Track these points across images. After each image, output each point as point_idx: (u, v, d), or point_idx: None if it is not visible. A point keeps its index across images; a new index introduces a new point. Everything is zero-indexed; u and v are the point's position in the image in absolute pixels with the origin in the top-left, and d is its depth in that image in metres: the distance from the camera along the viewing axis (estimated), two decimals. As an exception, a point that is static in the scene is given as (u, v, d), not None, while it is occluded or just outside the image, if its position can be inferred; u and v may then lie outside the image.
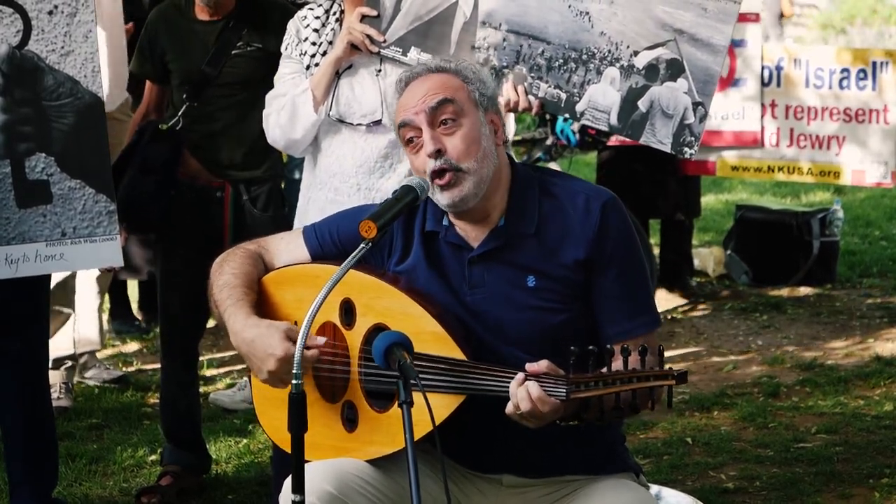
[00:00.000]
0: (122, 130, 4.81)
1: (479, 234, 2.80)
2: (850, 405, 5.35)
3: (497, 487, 2.84)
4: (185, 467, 4.53)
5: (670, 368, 2.55)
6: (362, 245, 2.64)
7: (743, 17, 7.04)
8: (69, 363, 5.58)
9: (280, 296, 2.92)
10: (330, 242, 2.94)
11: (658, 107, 3.58)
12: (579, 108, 3.62)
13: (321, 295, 2.55)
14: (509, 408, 2.58)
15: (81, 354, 5.79)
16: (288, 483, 2.69)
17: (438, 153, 2.73)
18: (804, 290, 7.56)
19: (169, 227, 4.40)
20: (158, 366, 6.23)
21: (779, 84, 6.91)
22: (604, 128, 3.64)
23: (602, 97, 3.60)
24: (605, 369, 2.57)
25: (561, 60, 3.61)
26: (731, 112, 6.94)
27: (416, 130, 2.76)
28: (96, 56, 3.76)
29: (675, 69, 3.56)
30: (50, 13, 3.70)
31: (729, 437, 4.98)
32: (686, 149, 3.60)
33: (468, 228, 2.81)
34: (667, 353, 5.89)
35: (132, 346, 6.64)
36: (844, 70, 6.76)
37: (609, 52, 3.58)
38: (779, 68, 6.90)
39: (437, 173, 2.73)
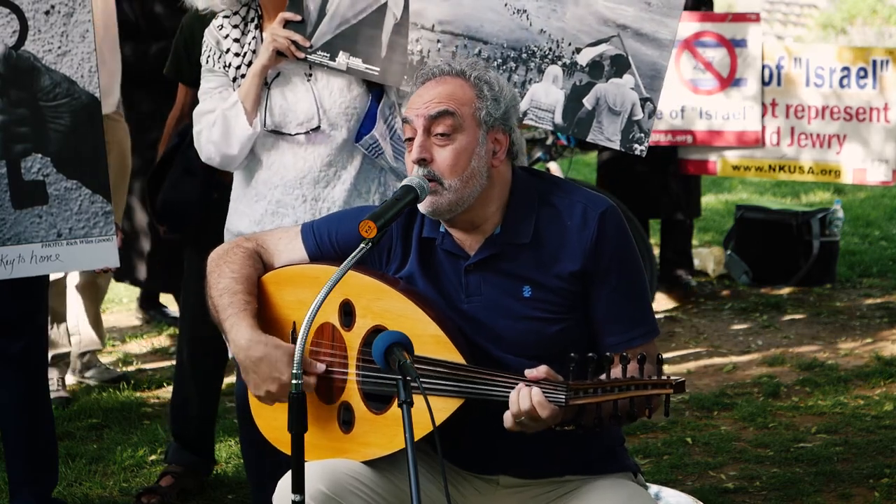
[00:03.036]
0: (116, 130, 4.79)
1: (475, 242, 2.79)
2: (850, 405, 5.34)
3: (494, 487, 2.84)
4: (187, 467, 4.52)
5: (668, 377, 2.54)
6: (362, 245, 2.64)
7: (743, 17, 7.05)
8: (65, 359, 5.62)
9: (280, 296, 2.91)
10: (328, 243, 2.93)
11: (604, 104, 3.50)
12: (521, 107, 3.51)
13: (320, 296, 2.54)
14: (507, 417, 2.57)
15: (83, 354, 5.81)
16: (284, 483, 2.69)
17: (423, 161, 2.72)
18: (804, 290, 7.56)
19: (208, 227, 4.37)
20: (158, 365, 6.26)
21: (779, 83, 6.90)
22: (548, 127, 3.57)
23: (545, 96, 3.53)
24: (603, 376, 2.57)
25: (500, 60, 3.52)
26: (732, 112, 6.94)
27: (413, 131, 2.76)
28: (93, 56, 3.75)
29: (620, 65, 3.48)
30: (46, 13, 3.70)
31: (729, 437, 4.98)
32: (636, 145, 3.52)
33: (463, 237, 2.80)
34: (667, 354, 5.91)
35: (132, 346, 6.64)
36: (845, 69, 6.75)
37: (550, 49, 3.49)
38: (779, 67, 6.90)
39: None
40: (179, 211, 4.31)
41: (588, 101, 3.50)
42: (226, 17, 3.66)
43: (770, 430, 5.07)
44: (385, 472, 2.76)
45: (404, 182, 2.74)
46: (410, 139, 2.77)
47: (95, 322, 5.84)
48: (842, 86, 6.77)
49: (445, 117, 2.73)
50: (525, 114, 3.54)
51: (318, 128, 3.54)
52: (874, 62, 6.70)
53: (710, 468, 4.64)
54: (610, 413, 2.53)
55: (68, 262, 3.80)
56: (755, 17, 7.06)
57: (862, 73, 6.71)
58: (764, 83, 6.91)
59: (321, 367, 2.77)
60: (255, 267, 2.93)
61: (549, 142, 7.43)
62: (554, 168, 7.45)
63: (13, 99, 3.67)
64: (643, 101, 3.49)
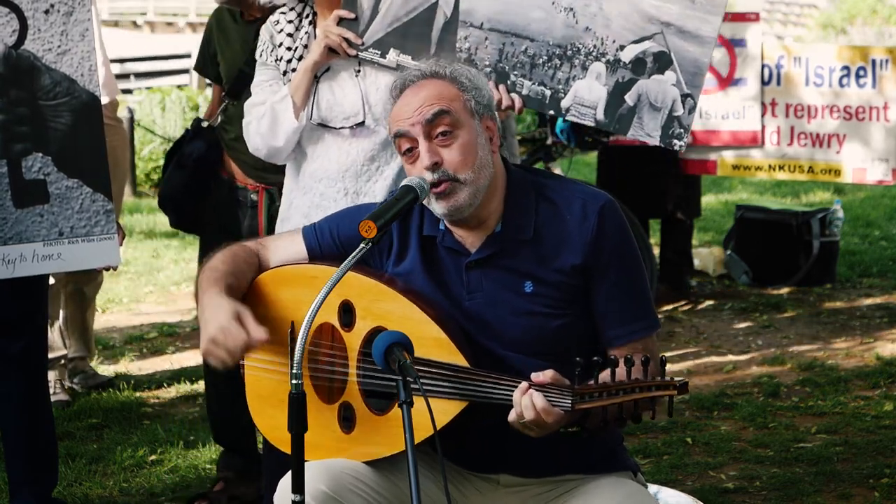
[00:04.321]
0: (112, 134, 4.79)
1: (476, 239, 2.79)
2: (850, 405, 5.35)
3: (494, 486, 2.83)
4: (236, 472, 4.47)
5: (672, 378, 2.54)
6: (362, 245, 2.63)
7: (743, 17, 7.05)
8: (62, 360, 5.62)
9: (277, 296, 2.90)
10: (330, 242, 2.93)
11: (646, 100, 3.51)
12: (564, 104, 3.56)
13: (321, 295, 2.53)
14: (512, 416, 2.57)
15: (71, 360, 5.80)
16: (284, 483, 2.69)
17: (436, 165, 2.72)
18: (804, 290, 7.56)
19: (209, 223, 4.38)
20: (158, 365, 6.26)
21: (779, 83, 6.91)
22: (590, 123, 3.58)
23: (588, 93, 3.54)
24: (608, 378, 2.56)
25: (545, 57, 3.54)
26: (732, 111, 6.94)
27: (412, 141, 2.75)
28: (93, 55, 3.75)
29: (662, 62, 3.50)
30: (46, 12, 3.69)
31: (729, 437, 4.98)
32: (675, 140, 3.53)
33: (464, 234, 2.80)
34: (667, 354, 5.91)
35: (132, 346, 6.64)
36: (844, 68, 6.75)
37: (595, 47, 3.51)
38: (779, 67, 6.90)
39: (433, 183, 2.73)
40: (173, 203, 4.38)
41: (630, 98, 3.52)
42: (282, 13, 3.69)
43: (770, 430, 5.07)
44: (386, 472, 2.75)
45: (404, 182, 2.74)
46: (408, 151, 2.77)
47: (83, 330, 5.84)
48: (841, 85, 6.77)
49: (442, 117, 2.73)
50: (568, 110, 3.56)
51: (362, 123, 3.57)
52: (874, 61, 6.70)
53: (710, 468, 4.64)
54: (615, 415, 2.53)
55: (70, 261, 3.80)
56: (755, 17, 7.05)
57: (861, 73, 6.71)
58: (764, 83, 6.91)
59: (259, 331, 2.67)
60: (246, 260, 2.91)
61: (549, 142, 7.43)
62: (554, 168, 7.45)
63: (13, 98, 3.67)
64: (684, 97, 3.51)
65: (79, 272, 5.35)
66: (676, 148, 3.55)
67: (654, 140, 3.54)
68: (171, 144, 5.03)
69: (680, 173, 7.24)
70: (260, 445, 4.59)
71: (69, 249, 3.76)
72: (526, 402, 2.53)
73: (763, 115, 6.91)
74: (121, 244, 3.97)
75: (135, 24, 31.19)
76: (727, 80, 6.92)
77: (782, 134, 6.91)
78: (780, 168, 6.97)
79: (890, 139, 6.68)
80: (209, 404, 4.56)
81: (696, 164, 7.19)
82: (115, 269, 4.13)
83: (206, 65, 4.47)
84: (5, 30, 3.65)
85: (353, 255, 2.62)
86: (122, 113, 7.08)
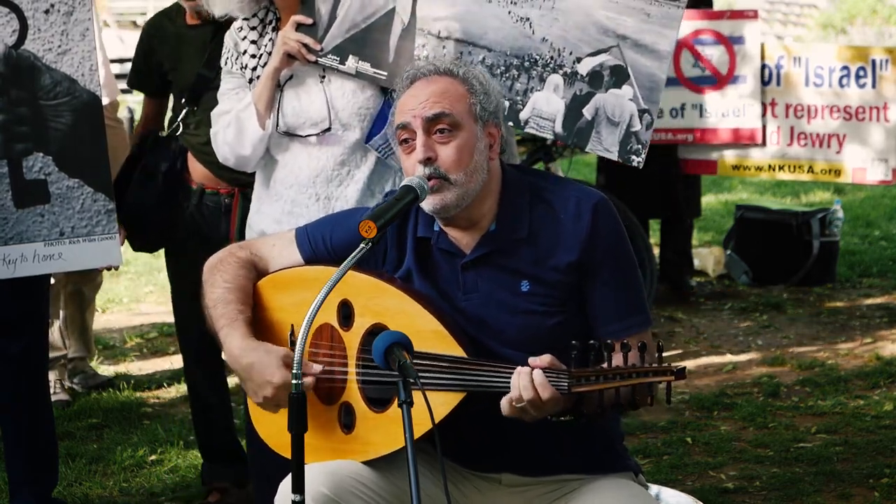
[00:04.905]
0: (112, 135, 4.80)
1: (471, 240, 2.80)
2: (850, 405, 5.35)
3: (496, 486, 2.84)
4: (227, 482, 4.47)
5: (669, 364, 2.55)
6: (362, 245, 2.64)
7: (741, 15, 7.05)
8: (62, 360, 5.63)
9: (279, 299, 2.91)
10: (323, 248, 2.94)
11: (603, 114, 3.50)
12: (523, 116, 3.55)
13: (320, 297, 2.54)
14: (506, 400, 2.57)
15: (71, 360, 5.80)
16: (285, 485, 2.69)
17: (428, 161, 2.73)
18: (804, 290, 7.56)
19: (178, 231, 4.35)
20: (157, 365, 6.27)
21: (779, 83, 6.90)
22: (549, 136, 3.58)
23: (546, 105, 3.53)
24: (605, 364, 2.57)
25: (503, 67, 3.53)
26: (732, 109, 6.94)
27: (411, 133, 2.77)
28: (94, 54, 3.75)
29: (619, 76, 3.48)
30: (46, 12, 3.70)
31: (729, 437, 4.98)
32: (633, 157, 3.52)
33: (459, 235, 2.81)
34: (666, 354, 5.90)
35: (132, 346, 6.64)
36: (844, 68, 6.75)
37: (552, 58, 3.50)
38: (779, 67, 6.89)
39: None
40: (142, 220, 4.28)
41: (588, 112, 3.51)
42: (245, 19, 3.67)
43: (770, 430, 5.07)
44: (386, 473, 2.76)
45: (404, 182, 2.74)
46: (406, 141, 2.78)
47: (82, 330, 5.84)
48: (841, 85, 6.77)
49: (443, 116, 2.75)
50: (526, 122, 3.55)
51: (329, 129, 3.55)
52: (873, 61, 6.70)
53: (710, 468, 4.64)
54: (612, 401, 2.55)
55: (71, 261, 3.80)
56: (753, 15, 7.05)
57: (861, 73, 6.71)
58: (764, 83, 6.90)
59: (317, 367, 2.77)
60: (248, 277, 2.93)
61: (548, 141, 7.42)
62: (554, 169, 7.44)
63: (13, 98, 3.68)
64: (641, 112, 3.50)
65: (78, 272, 5.35)
66: (634, 164, 3.54)
67: (613, 155, 3.54)
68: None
69: (680, 173, 7.23)
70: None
71: (70, 249, 3.76)
72: (524, 382, 2.54)
73: (763, 115, 6.91)
74: (122, 244, 3.97)
75: (135, 24, 31.18)
76: (726, 79, 6.92)
77: (782, 134, 6.91)
78: (781, 168, 6.96)
79: (890, 139, 6.68)
80: (195, 416, 4.55)
81: (696, 164, 7.18)
82: (115, 268, 4.13)
83: (145, 79, 4.42)
84: (5, 30, 3.65)
85: (352, 255, 2.62)
86: (122, 113, 7.08)
